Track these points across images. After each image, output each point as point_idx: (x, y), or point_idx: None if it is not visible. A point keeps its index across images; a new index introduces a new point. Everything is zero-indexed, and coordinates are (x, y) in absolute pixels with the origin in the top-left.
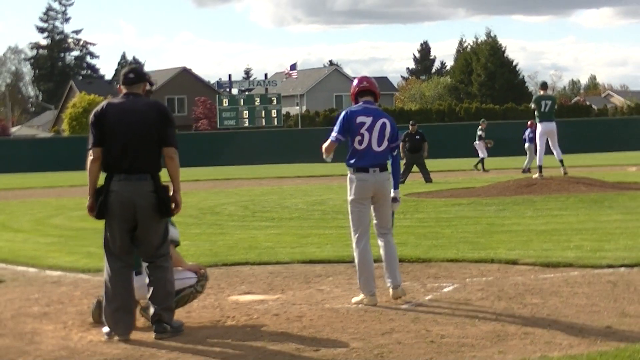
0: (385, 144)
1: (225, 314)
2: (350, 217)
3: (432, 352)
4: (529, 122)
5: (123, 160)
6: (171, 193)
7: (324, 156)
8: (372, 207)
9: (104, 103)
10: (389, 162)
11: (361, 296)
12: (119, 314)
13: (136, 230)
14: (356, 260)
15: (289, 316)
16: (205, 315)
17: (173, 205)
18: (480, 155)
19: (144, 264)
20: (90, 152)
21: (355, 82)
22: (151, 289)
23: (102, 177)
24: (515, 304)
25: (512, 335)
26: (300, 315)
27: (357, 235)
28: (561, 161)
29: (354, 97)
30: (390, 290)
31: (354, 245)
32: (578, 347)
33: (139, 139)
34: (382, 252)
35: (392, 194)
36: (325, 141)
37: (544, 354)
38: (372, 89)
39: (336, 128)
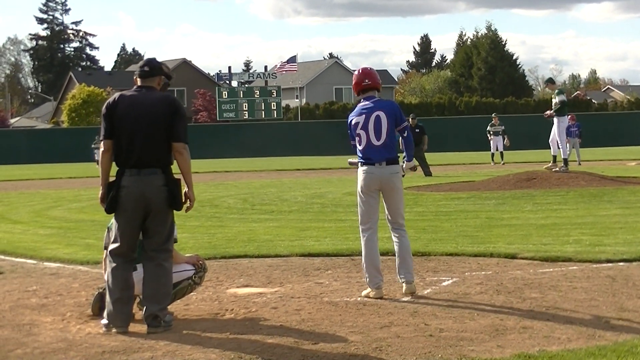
0: (384, 136)
1: (223, 306)
2: (358, 208)
3: (431, 346)
4: (569, 116)
5: (131, 154)
6: (184, 189)
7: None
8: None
9: (116, 95)
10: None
11: (369, 289)
12: (117, 306)
13: (146, 222)
14: (363, 253)
15: (287, 309)
16: (203, 308)
17: (188, 202)
18: (499, 148)
19: (142, 262)
20: (102, 144)
21: (358, 76)
22: (149, 288)
23: (114, 170)
24: (514, 298)
25: (511, 329)
26: (298, 309)
27: (363, 227)
28: (565, 159)
29: (359, 89)
30: (404, 285)
31: (363, 235)
32: (577, 342)
33: (147, 133)
34: (396, 247)
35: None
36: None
37: (542, 348)
38: (374, 87)
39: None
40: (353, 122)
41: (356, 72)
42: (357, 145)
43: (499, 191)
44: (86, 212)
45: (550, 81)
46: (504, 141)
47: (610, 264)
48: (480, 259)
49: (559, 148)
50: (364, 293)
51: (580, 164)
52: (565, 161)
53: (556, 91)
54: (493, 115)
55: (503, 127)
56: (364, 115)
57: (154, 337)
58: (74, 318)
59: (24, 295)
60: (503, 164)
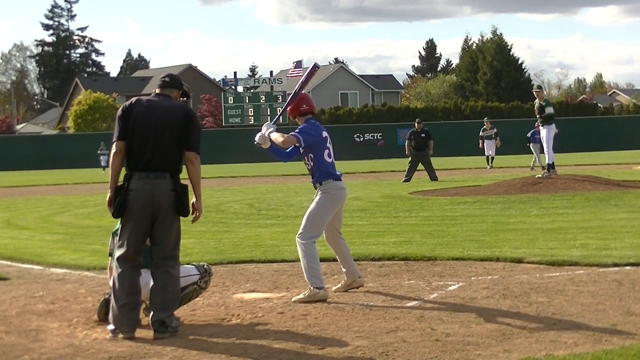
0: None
1: (230, 312)
2: (314, 220)
3: (437, 351)
4: (536, 124)
5: (142, 156)
6: (192, 199)
7: (265, 135)
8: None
9: (133, 99)
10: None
11: (306, 294)
12: (124, 311)
13: (153, 228)
14: (309, 257)
15: (294, 314)
16: (210, 313)
17: (195, 213)
18: (490, 153)
19: (151, 269)
20: (114, 145)
21: (297, 99)
22: (157, 295)
23: (122, 174)
24: (520, 302)
25: (518, 334)
26: (305, 314)
27: (315, 235)
28: (549, 164)
29: (297, 113)
30: (358, 280)
31: (310, 242)
32: (583, 346)
33: (160, 136)
34: (344, 251)
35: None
36: (282, 136)
37: (549, 352)
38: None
39: (305, 136)
40: (324, 134)
41: (295, 98)
42: (327, 158)
43: (505, 195)
44: (92, 218)
45: (539, 88)
46: (495, 144)
47: (617, 268)
48: (486, 264)
49: (542, 153)
50: (296, 299)
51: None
52: (550, 166)
53: (543, 102)
54: (485, 119)
55: (495, 131)
56: (326, 132)
57: (161, 342)
58: (80, 324)
59: (31, 301)
60: (490, 167)
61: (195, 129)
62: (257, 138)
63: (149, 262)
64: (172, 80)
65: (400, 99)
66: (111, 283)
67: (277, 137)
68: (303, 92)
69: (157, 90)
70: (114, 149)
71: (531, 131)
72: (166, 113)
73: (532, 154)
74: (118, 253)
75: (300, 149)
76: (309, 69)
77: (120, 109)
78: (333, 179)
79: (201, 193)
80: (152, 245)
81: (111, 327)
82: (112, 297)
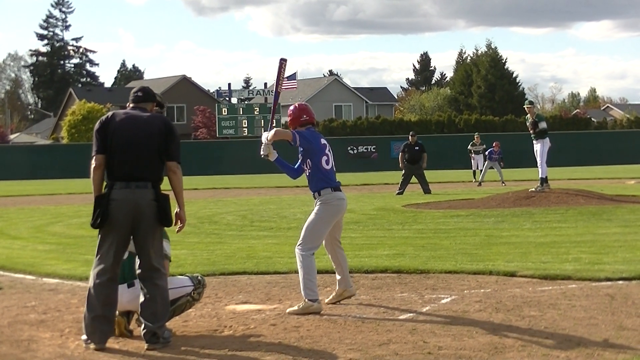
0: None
1: (222, 323)
2: (312, 232)
3: None
4: (495, 143)
5: (124, 166)
6: (175, 209)
7: (267, 143)
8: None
9: (109, 112)
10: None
11: (300, 305)
12: (96, 323)
13: (135, 239)
14: (307, 269)
15: (286, 326)
16: (202, 325)
17: (179, 222)
18: (479, 167)
19: (139, 281)
20: (93, 159)
21: (297, 110)
22: (147, 306)
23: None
24: (513, 316)
25: (510, 348)
26: (297, 326)
27: (313, 247)
28: (542, 178)
29: (297, 124)
30: (349, 290)
31: (308, 254)
32: None
33: (141, 147)
34: (342, 262)
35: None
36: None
37: None
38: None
39: (301, 137)
40: (322, 141)
41: (294, 108)
42: (325, 165)
43: (498, 209)
44: (85, 228)
45: (531, 103)
46: (484, 160)
47: (609, 283)
48: (479, 277)
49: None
50: (290, 310)
51: (504, 184)
52: (543, 180)
53: (536, 117)
54: (475, 134)
55: (484, 146)
56: (325, 141)
57: (153, 353)
58: (72, 334)
59: (23, 311)
60: (482, 181)
61: (175, 139)
62: (261, 150)
63: (138, 275)
64: (145, 94)
65: (394, 112)
66: (87, 294)
67: (273, 133)
68: (304, 103)
69: (132, 105)
70: (93, 163)
71: (489, 150)
72: (146, 123)
73: (491, 169)
74: (96, 265)
75: (299, 154)
76: (278, 66)
77: (98, 122)
78: (332, 188)
79: (184, 202)
80: (138, 258)
81: (84, 337)
82: (85, 308)
